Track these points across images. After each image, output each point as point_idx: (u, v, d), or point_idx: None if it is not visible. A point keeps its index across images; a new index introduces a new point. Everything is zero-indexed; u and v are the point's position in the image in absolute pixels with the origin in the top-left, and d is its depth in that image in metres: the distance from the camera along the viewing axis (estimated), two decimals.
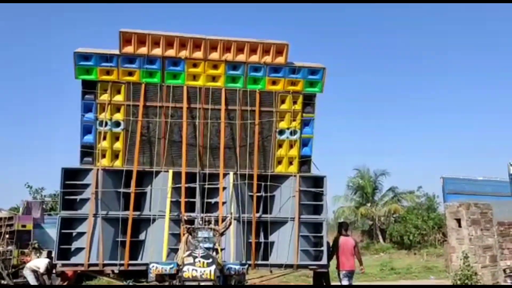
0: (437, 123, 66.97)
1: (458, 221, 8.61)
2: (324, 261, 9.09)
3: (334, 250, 9.76)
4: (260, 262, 8.99)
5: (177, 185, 8.79)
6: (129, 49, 8.62)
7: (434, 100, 66.87)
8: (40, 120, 65.68)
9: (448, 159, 61.47)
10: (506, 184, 14.01)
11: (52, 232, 13.82)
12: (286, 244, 8.97)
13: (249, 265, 8.35)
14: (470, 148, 67.48)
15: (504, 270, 8.69)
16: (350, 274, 9.61)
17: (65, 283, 11.44)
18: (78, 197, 8.67)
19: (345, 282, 9.53)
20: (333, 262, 9.68)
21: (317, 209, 9.37)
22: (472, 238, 8.38)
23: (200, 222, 7.47)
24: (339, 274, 9.64)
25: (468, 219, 8.45)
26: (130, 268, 8.59)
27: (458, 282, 7.59)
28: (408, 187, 38.50)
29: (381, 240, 35.13)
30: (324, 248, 9.09)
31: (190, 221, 7.75)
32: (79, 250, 8.52)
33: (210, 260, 6.55)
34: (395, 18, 68.52)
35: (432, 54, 67.43)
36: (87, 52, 8.57)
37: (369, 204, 36.73)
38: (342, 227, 10.10)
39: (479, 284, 7.80)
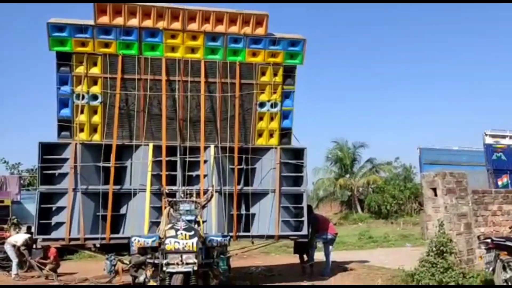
0: (414, 94, 67.78)
1: (434, 190, 8.80)
2: (304, 231, 9.26)
3: (313, 226, 9.91)
4: (241, 233, 9.09)
5: (157, 159, 8.75)
6: (104, 20, 8.39)
7: (411, 71, 67.51)
8: (14, 93, 63.91)
9: (425, 130, 62.63)
10: (480, 154, 14.39)
11: (31, 207, 13.69)
12: (267, 216, 9.08)
13: (231, 236, 8.45)
14: (446, 119, 68.72)
15: (478, 237, 9.00)
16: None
17: (48, 262, 11.42)
18: (57, 172, 8.56)
19: (330, 246, 10.11)
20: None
21: (298, 181, 9.48)
22: (448, 206, 8.61)
23: (182, 195, 7.49)
24: (325, 237, 9.98)
25: (444, 188, 8.64)
26: (112, 242, 8.60)
27: (434, 249, 7.83)
28: (386, 158, 39.23)
29: (359, 210, 35.96)
30: (305, 219, 9.24)
31: (172, 194, 7.76)
32: (59, 224, 8.47)
33: (192, 232, 6.59)
34: None
35: (410, 24, 67.60)
36: (61, 22, 8.31)
37: (348, 176, 37.37)
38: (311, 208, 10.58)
39: (453, 251, 8.06)
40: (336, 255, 11.93)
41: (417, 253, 8.95)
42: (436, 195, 8.76)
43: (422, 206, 17.20)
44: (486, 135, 13.84)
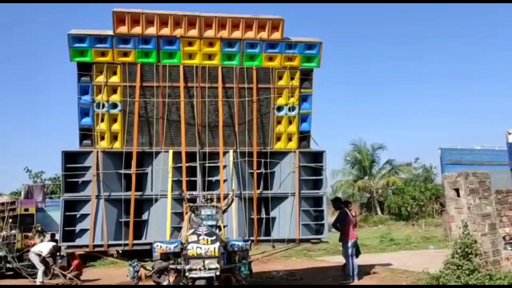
0: (433, 93, 66.86)
1: (457, 190, 8.68)
2: (325, 234, 9.23)
3: (345, 223, 10.04)
4: (262, 237, 9.11)
5: (177, 165, 8.83)
6: (123, 29, 8.52)
7: (430, 70, 66.65)
8: (37, 104, 65.23)
9: (445, 129, 61.71)
10: (503, 153, 14.10)
11: (54, 215, 13.94)
12: (287, 219, 9.07)
13: (252, 241, 8.47)
14: (467, 117, 67.61)
15: (504, 237, 8.84)
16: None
17: (72, 270, 11.62)
18: (80, 180, 8.70)
19: (352, 250, 10.06)
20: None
21: (317, 184, 9.45)
22: (471, 207, 8.48)
23: (202, 200, 7.54)
24: (346, 244, 9.97)
25: (467, 188, 8.52)
26: (135, 248, 8.70)
27: (458, 251, 7.72)
28: (405, 159, 38.82)
29: (379, 212, 35.61)
30: (325, 222, 9.20)
31: (192, 200, 7.82)
32: (83, 231, 8.60)
33: (214, 237, 6.63)
34: None
35: (429, 19, 66.83)
36: (81, 33, 8.47)
37: (366, 177, 37.08)
38: (344, 203, 10.85)
39: (478, 252, 7.93)
40: (359, 258, 11.83)
41: (441, 255, 8.82)
42: (458, 195, 8.64)
43: (444, 207, 16.96)
44: (510, 133, 13.56)
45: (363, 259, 12.33)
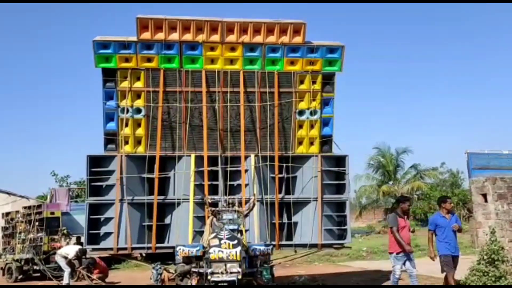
0: (459, 95, 65.55)
1: (484, 196, 8.51)
2: (348, 239, 9.14)
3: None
4: (284, 242, 9.08)
5: (199, 169, 8.89)
6: (146, 35, 8.65)
7: (457, 73, 65.36)
8: (63, 109, 66.78)
9: (471, 134, 60.34)
10: None
11: (79, 218, 14.20)
12: (309, 224, 9.02)
13: (274, 245, 8.44)
14: (494, 121, 65.95)
15: None
16: None
17: (96, 274, 11.80)
18: (104, 184, 8.86)
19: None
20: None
21: (340, 189, 9.38)
22: (499, 212, 8.29)
23: (224, 204, 7.56)
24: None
25: (495, 193, 8.35)
26: (157, 251, 8.79)
27: (485, 257, 7.52)
28: (431, 164, 38.09)
29: None
30: (348, 227, 9.08)
31: (214, 204, 7.86)
32: (107, 234, 8.76)
33: (236, 241, 6.63)
34: None
35: (453, 20, 65.61)
36: (106, 40, 8.64)
37: (391, 182, 36.46)
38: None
39: (505, 259, 7.71)
40: (383, 264, 11.68)
41: (467, 261, 8.59)
42: (486, 201, 8.47)
43: (471, 213, 16.56)
44: None
45: (387, 265, 12.12)
